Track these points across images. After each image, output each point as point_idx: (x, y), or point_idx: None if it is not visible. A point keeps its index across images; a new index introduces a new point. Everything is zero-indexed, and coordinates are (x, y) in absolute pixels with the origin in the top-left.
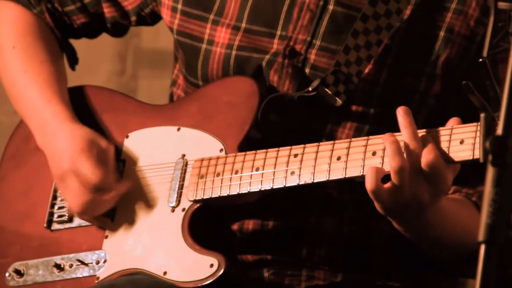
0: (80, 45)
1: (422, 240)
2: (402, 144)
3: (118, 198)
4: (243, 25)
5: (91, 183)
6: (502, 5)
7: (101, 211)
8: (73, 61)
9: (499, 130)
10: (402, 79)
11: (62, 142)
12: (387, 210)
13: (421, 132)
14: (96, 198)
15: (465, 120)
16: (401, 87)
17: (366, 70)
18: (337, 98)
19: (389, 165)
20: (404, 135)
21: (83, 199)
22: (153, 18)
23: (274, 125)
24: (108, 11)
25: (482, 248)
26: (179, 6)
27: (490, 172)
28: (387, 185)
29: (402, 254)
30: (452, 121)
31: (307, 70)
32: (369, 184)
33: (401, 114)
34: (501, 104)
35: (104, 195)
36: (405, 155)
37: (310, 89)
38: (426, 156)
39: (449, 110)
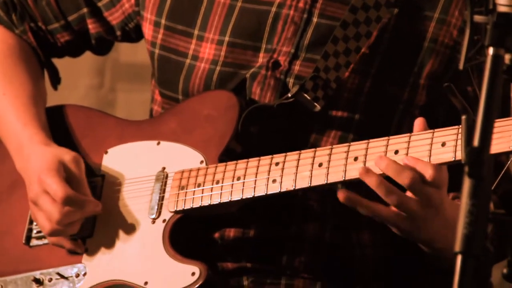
0: (58, 59)
1: (442, 247)
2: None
3: (88, 215)
4: (227, 38)
5: (60, 198)
6: (478, 18)
7: (73, 230)
8: (55, 80)
9: (475, 142)
10: (386, 89)
11: (34, 164)
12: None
13: (400, 143)
14: (66, 216)
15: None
16: (385, 96)
17: (345, 75)
18: (315, 104)
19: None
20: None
21: (54, 218)
22: (138, 32)
23: (256, 137)
24: (93, 27)
25: (459, 258)
26: (163, 21)
27: (467, 184)
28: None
29: (381, 264)
30: (417, 122)
31: (291, 81)
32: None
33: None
34: (477, 116)
35: (74, 212)
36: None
37: (289, 95)
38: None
39: (438, 124)
